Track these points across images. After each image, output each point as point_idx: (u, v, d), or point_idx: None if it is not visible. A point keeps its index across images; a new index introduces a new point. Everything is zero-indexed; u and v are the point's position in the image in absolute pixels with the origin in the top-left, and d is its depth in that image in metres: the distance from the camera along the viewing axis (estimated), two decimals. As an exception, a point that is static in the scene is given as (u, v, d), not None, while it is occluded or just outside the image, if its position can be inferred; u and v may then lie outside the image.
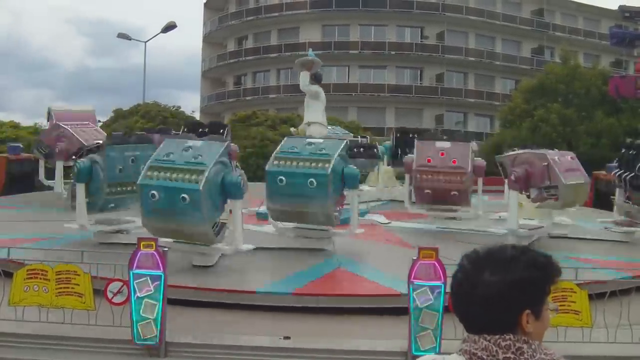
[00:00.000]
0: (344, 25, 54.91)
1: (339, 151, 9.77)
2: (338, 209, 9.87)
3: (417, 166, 12.02)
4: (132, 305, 6.04)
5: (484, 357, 1.92)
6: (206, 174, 7.93)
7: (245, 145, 31.17)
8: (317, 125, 13.98)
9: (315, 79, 13.93)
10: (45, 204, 14.59)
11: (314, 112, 14.06)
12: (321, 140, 10.44)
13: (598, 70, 41.51)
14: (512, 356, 1.91)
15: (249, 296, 7.75)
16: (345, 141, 10.45)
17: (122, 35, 41.34)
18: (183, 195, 7.88)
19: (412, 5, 53.73)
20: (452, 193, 11.85)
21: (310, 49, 15.25)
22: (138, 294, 6.04)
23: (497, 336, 1.93)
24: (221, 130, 13.95)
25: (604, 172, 17.38)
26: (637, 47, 31.70)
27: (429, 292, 5.91)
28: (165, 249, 6.35)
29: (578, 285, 6.22)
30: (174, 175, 8.02)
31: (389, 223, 12.95)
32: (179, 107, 43.74)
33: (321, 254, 9.84)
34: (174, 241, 8.49)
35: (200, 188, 7.85)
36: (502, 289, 1.93)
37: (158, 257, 6.10)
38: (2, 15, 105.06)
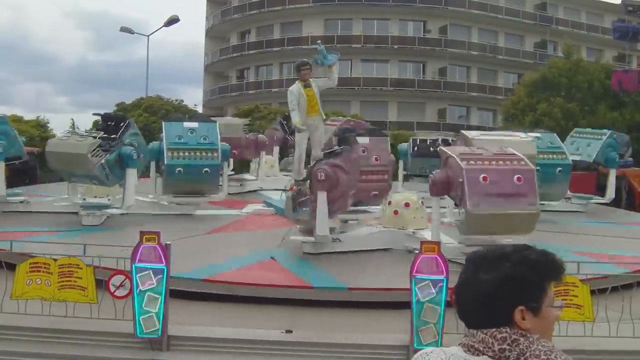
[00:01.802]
0: (347, 19, 54.82)
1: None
2: None
3: None
4: (135, 299, 6.05)
5: (480, 348, 2.00)
6: None
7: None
8: None
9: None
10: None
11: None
12: None
13: (601, 64, 41.37)
14: (507, 347, 1.97)
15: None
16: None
17: (125, 29, 41.34)
18: None
19: (414, -1, 53.70)
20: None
21: (319, 41, 14.72)
22: (140, 288, 6.05)
23: (493, 329, 2.00)
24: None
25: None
26: (640, 41, 31.65)
27: (431, 286, 5.92)
28: (168, 242, 6.35)
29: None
30: None
31: None
32: (182, 101, 43.71)
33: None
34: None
35: None
36: (491, 287, 2.02)
37: (161, 251, 6.11)
38: (3, 8, 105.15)
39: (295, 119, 12.98)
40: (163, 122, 12.22)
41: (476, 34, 55.71)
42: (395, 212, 9.75)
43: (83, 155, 10.56)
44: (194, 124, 12.17)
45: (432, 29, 54.71)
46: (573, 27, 55.98)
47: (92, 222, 10.79)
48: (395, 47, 53.79)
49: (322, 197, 8.57)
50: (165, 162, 11.60)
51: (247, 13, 57.73)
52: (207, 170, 11.74)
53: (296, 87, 13.20)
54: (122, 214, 11.20)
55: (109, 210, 11.26)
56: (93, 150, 10.66)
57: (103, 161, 10.70)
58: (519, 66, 54.26)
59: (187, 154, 11.65)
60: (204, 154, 11.75)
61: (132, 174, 11.05)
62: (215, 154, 11.83)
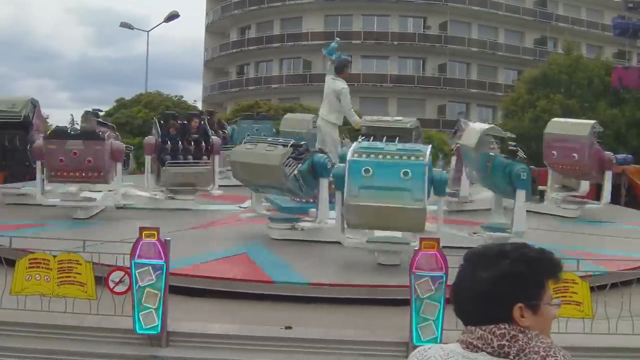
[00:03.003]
0: (347, 15, 54.79)
1: None
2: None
3: None
4: (134, 295, 6.04)
5: (479, 345, 2.00)
6: None
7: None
8: None
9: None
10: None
11: None
12: None
13: (601, 61, 41.38)
14: (506, 343, 1.98)
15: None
16: None
17: (125, 25, 41.30)
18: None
19: (414, -5, 53.66)
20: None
21: (337, 39, 14.54)
22: (140, 284, 6.04)
23: (492, 326, 2.01)
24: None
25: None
26: (640, 37, 31.61)
27: (430, 283, 5.91)
28: (168, 238, 6.34)
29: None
30: None
31: None
32: (182, 97, 43.66)
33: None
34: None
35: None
36: (490, 284, 2.03)
37: (160, 247, 6.10)
38: (6, 4, 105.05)
39: (357, 119, 12.71)
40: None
41: (476, 31, 55.69)
42: None
43: (276, 167, 9.35)
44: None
45: (432, 25, 54.70)
46: (573, 23, 55.95)
47: (289, 236, 9.63)
48: (395, 43, 53.81)
49: None
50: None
51: (247, 9, 57.68)
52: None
53: (346, 84, 12.87)
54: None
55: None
56: (285, 161, 9.47)
57: (296, 172, 9.47)
58: (518, 63, 54.26)
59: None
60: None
61: (325, 184, 9.63)
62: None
